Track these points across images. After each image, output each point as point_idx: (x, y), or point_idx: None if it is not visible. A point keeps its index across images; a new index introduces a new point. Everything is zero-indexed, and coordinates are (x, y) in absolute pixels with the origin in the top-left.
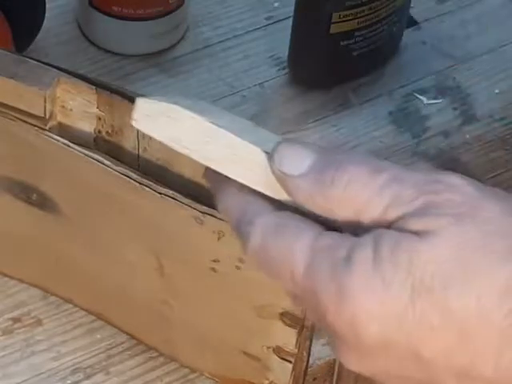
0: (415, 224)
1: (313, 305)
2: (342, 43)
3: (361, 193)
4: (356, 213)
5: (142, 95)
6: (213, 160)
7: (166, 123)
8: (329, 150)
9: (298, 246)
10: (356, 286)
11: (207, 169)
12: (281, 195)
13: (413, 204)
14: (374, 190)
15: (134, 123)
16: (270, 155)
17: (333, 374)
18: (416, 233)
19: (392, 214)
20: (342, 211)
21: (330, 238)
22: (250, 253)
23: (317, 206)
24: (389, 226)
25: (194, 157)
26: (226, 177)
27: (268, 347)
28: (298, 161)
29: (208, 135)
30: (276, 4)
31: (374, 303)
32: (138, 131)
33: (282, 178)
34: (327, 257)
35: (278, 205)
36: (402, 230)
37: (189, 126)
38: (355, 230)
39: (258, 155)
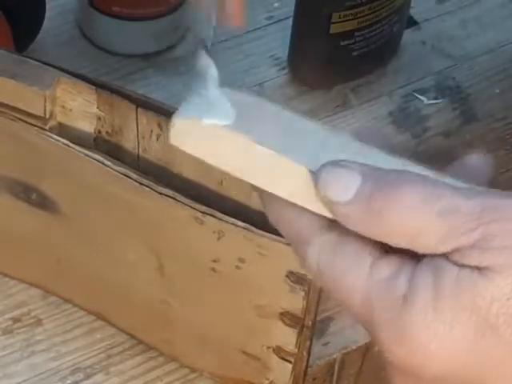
0: (474, 259)
1: (370, 331)
2: (342, 43)
3: (414, 222)
4: (409, 241)
5: (143, 95)
6: (257, 178)
7: (207, 141)
8: (376, 170)
9: (355, 274)
10: (417, 328)
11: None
12: (330, 214)
13: (471, 236)
14: (429, 218)
15: (172, 141)
16: (314, 177)
17: (333, 374)
18: (476, 267)
19: (448, 246)
20: (394, 239)
21: (388, 268)
22: (308, 271)
23: (367, 233)
24: (445, 257)
25: (237, 175)
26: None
27: (268, 347)
28: (343, 187)
29: (249, 153)
30: (276, 4)
31: (437, 345)
32: (137, 131)
33: (328, 204)
34: (385, 293)
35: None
36: (460, 264)
37: (229, 144)
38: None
39: (303, 174)
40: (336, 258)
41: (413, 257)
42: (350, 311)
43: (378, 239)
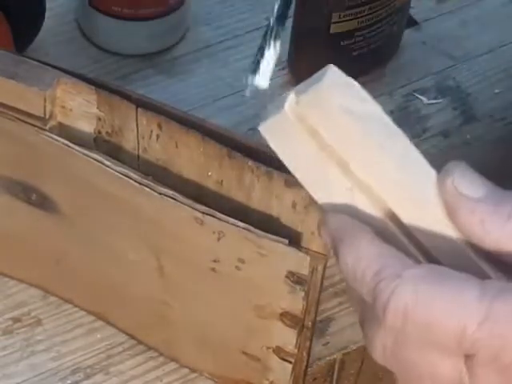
0: None
1: (493, 354)
2: (342, 43)
3: None
4: None
5: (143, 95)
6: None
7: (354, 97)
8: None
9: (467, 297)
10: None
11: (326, 220)
12: (432, 222)
13: None
14: None
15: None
16: (444, 173)
17: (333, 374)
18: None
19: None
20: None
21: (500, 282)
22: (394, 312)
23: (485, 235)
24: None
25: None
26: (355, 226)
27: (268, 347)
28: (476, 184)
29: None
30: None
31: None
32: (137, 131)
33: (455, 198)
34: (506, 310)
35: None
36: None
37: (371, 110)
38: None
39: (426, 173)
40: (441, 287)
41: None
42: (460, 347)
43: (492, 245)
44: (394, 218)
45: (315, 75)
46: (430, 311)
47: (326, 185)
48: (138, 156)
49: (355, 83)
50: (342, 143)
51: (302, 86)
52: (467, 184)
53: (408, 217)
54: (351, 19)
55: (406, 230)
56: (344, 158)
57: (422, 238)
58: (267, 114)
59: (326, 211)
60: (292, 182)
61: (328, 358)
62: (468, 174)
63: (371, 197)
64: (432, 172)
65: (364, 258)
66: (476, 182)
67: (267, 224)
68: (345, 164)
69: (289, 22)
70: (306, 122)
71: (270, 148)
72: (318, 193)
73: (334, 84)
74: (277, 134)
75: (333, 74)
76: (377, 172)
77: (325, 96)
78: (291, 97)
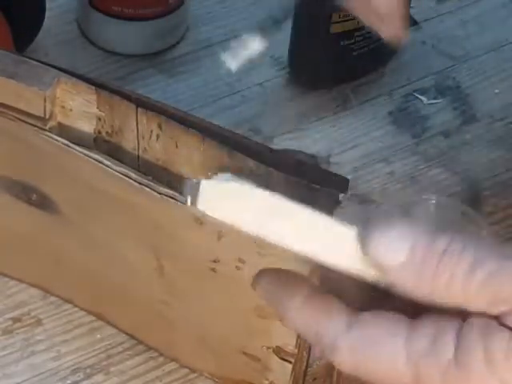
0: None
1: None
2: (342, 43)
3: (466, 287)
4: (460, 305)
5: (143, 96)
6: (287, 238)
7: (232, 203)
8: (423, 228)
9: (396, 360)
10: None
11: (261, 279)
12: (366, 273)
13: None
14: (474, 287)
15: (199, 206)
16: (360, 239)
17: (333, 374)
18: None
19: (495, 311)
20: (446, 300)
21: (427, 334)
22: (341, 369)
23: (420, 295)
24: (495, 318)
25: (263, 234)
26: (287, 286)
27: (268, 347)
28: (394, 249)
29: (280, 211)
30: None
31: None
32: (137, 131)
33: (378, 267)
34: (431, 359)
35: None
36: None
37: (256, 203)
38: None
39: (344, 235)
40: (370, 351)
41: (452, 316)
42: None
43: (428, 300)
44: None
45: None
46: (365, 372)
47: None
48: (138, 156)
49: (229, 186)
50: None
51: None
52: (385, 251)
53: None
54: (351, 19)
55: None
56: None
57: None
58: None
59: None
60: (292, 181)
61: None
62: (385, 237)
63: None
64: (346, 232)
65: (298, 324)
66: (395, 244)
67: None
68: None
69: (289, 22)
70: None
71: (269, 148)
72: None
73: (207, 200)
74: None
75: (206, 190)
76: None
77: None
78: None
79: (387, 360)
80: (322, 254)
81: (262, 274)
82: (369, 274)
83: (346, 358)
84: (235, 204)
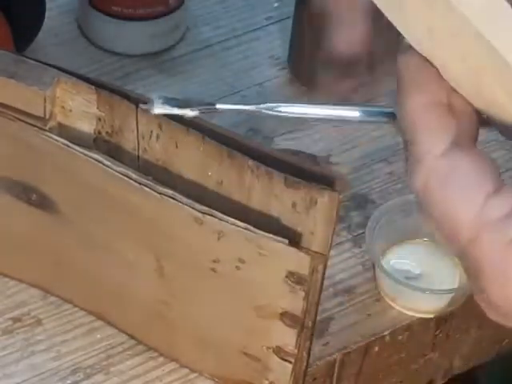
0: None
1: (472, 270)
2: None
3: None
4: None
5: (143, 96)
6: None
7: None
8: None
9: (466, 209)
10: None
11: (406, 51)
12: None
13: None
14: None
15: None
16: None
17: (333, 374)
18: None
19: None
20: None
21: (501, 208)
22: (413, 190)
23: None
24: None
25: None
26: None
27: (268, 347)
28: None
29: None
30: (276, 4)
31: None
32: (137, 131)
33: None
34: (495, 235)
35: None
36: None
37: None
38: None
39: None
40: (445, 188)
41: None
42: (453, 244)
43: None
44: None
45: None
46: (430, 205)
47: (404, 19)
48: (138, 156)
49: None
50: None
51: None
52: None
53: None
54: None
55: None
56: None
57: None
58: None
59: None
60: (292, 182)
61: (328, 358)
62: None
63: (448, 46)
64: None
65: (408, 119)
66: None
67: (267, 224)
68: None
69: (289, 22)
70: None
71: (269, 148)
72: (398, 26)
73: None
74: None
75: None
76: (457, 21)
77: None
78: None
79: (458, 205)
80: (493, 38)
81: (409, 54)
82: None
83: (423, 179)
84: None
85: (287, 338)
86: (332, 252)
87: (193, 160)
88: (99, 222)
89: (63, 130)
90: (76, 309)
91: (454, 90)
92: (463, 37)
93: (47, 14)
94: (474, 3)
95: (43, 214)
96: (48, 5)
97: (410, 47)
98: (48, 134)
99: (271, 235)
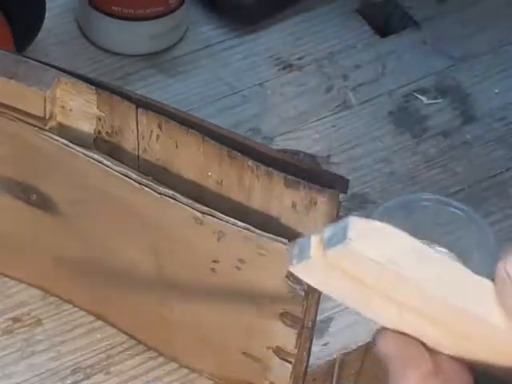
0: None
1: None
2: None
3: None
4: None
5: (143, 96)
6: (430, 282)
7: (381, 241)
8: None
9: None
10: None
11: (384, 334)
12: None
13: None
14: None
15: (350, 243)
16: (497, 292)
17: (333, 374)
18: None
19: None
20: None
21: None
22: None
23: None
24: None
25: (408, 275)
26: (413, 346)
27: (268, 348)
28: None
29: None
30: None
31: None
32: (137, 131)
33: (505, 284)
34: None
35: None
36: None
37: (402, 246)
38: None
39: (482, 285)
40: None
41: None
42: None
43: None
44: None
45: (336, 225)
46: None
47: (372, 310)
48: (138, 156)
49: (378, 225)
50: (381, 284)
51: (322, 235)
52: None
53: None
54: None
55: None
56: (388, 295)
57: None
58: (293, 254)
59: (379, 329)
60: (292, 182)
61: (328, 358)
62: None
63: (419, 316)
64: (484, 281)
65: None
66: None
67: (267, 224)
68: (388, 297)
69: (289, 22)
70: (337, 268)
71: (269, 148)
72: (367, 314)
73: (359, 236)
74: (309, 273)
75: (355, 225)
76: (420, 297)
77: (353, 250)
78: (316, 248)
79: None
80: (457, 300)
81: (387, 336)
82: (502, 325)
83: None
84: (381, 241)
85: (287, 338)
86: None
87: (193, 160)
88: (99, 222)
89: (63, 130)
90: (76, 309)
91: (438, 352)
92: (430, 307)
93: (47, 14)
94: (429, 275)
95: (43, 214)
96: (48, 5)
97: (383, 328)
98: (48, 133)
99: (271, 235)
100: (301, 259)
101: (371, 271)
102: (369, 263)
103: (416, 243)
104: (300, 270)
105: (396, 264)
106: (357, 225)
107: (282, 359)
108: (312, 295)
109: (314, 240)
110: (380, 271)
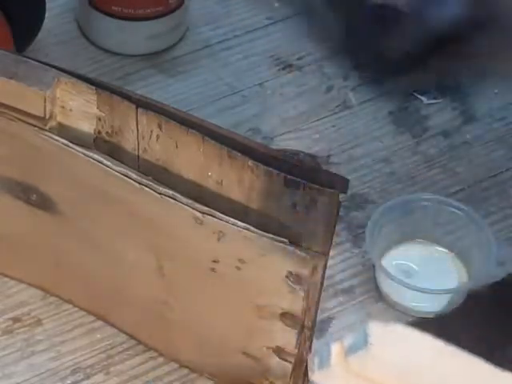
0: None
1: None
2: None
3: None
4: None
5: (143, 96)
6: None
7: (400, 344)
8: None
9: None
10: None
11: None
12: None
13: None
14: None
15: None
16: None
17: None
18: None
19: None
20: None
21: None
22: None
23: None
24: None
25: (428, 376)
26: None
27: (268, 347)
28: None
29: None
30: (276, 4)
31: None
32: (137, 131)
33: None
34: None
35: None
36: None
37: (422, 347)
38: None
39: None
40: None
41: None
42: None
43: None
44: None
45: (355, 333)
46: None
47: None
48: (138, 156)
49: (397, 328)
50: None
51: (342, 343)
52: None
53: None
54: None
55: None
56: None
57: None
58: (313, 362)
59: None
60: (292, 182)
61: None
62: None
63: None
64: (507, 376)
65: None
66: None
67: (267, 224)
68: None
69: (289, 22)
70: (359, 374)
71: (269, 148)
72: None
73: (379, 341)
74: (331, 380)
75: (375, 330)
76: None
77: (374, 355)
78: (337, 355)
79: None
80: None
81: None
82: None
83: None
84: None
85: (287, 338)
86: (332, 252)
87: (193, 160)
88: (99, 222)
89: (63, 130)
90: (76, 309)
91: None
92: None
93: (47, 14)
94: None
95: (43, 214)
96: (48, 5)
97: None
98: (48, 133)
99: (271, 235)
100: (321, 367)
101: (392, 375)
102: (390, 367)
103: (435, 343)
104: (321, 378)
105: (416, 366)
106: (376, 330)
107: (282, 359)
108: (312, 295)
109: (334, 348)
110: (400, 374)
